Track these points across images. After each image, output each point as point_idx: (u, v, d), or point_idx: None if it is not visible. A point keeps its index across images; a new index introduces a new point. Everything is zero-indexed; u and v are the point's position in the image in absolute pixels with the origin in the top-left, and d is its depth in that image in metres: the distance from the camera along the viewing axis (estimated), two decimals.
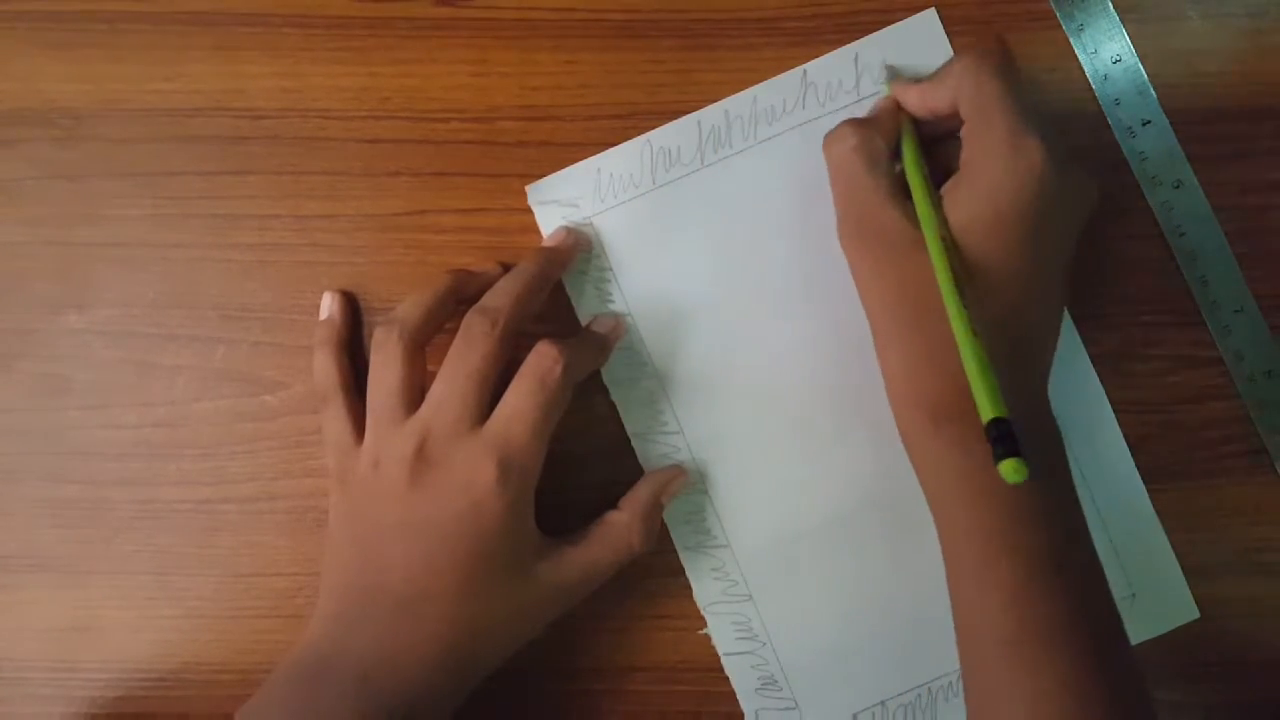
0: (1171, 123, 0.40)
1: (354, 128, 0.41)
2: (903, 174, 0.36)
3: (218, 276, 0.41)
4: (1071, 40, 0.40)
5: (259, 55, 0.41)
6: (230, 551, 0.41)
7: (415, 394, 0.37)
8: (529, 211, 0.41)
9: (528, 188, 0.41)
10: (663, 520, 0.40)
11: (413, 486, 0.35)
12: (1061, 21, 0.40)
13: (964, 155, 0.35)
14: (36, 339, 0.41)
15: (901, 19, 0.40)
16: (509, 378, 0.36)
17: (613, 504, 0.39)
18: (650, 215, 0.41)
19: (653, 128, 0.41)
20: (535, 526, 0.37)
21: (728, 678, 0.40)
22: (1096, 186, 0.35)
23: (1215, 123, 0.40)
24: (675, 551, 0.40)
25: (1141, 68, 0.40)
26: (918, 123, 0.38)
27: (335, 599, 0.36)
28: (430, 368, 0.38)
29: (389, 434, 0.36)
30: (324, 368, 0.39)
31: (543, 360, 0.36)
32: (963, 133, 0.35)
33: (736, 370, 0.40)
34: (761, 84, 0.40)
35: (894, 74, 0.40)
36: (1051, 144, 0.33)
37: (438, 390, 0.36)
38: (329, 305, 0.40)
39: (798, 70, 0.40)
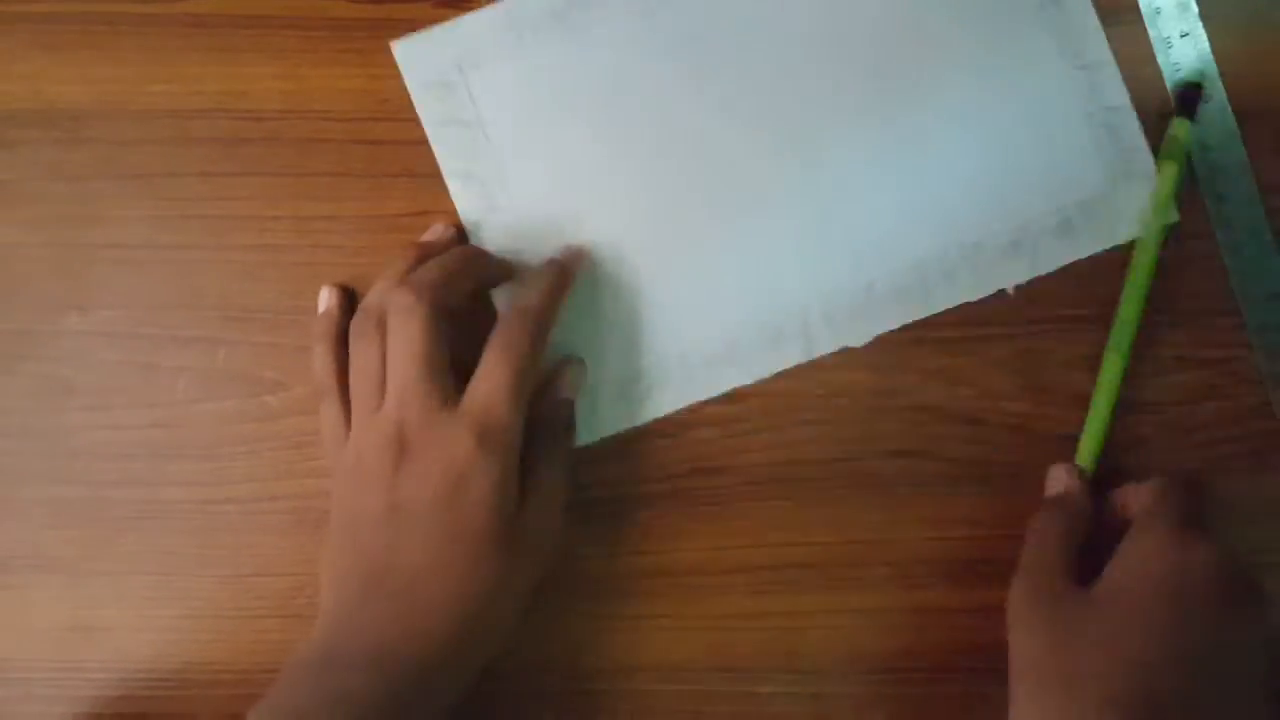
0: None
1: (355, 129, 0.41)
2: None
3: (219, 278, 0.41)
4: None
5: (260, 57, 0.41)
6: (231, 552, 0.41)
7: None
8: None
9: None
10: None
11: (395, 473, 0.35)
12: None
13: (1127, 538, 0.37)
14: (38, 341, 0.41)
15: None
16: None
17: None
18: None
19: None
20: (519, 487, 0.36)
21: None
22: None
23: None
24: (672, 552, 0.41)
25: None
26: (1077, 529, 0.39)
27: (334, 591, 0.36)
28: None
29: (368, 424, 0.36)
30: (322, 362, 0.39)
31: (508, 327, 0.36)
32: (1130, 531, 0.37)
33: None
34: None
35: (1081, 474, 0.40)
36: (1226, 552, 0.35)
37: (392, 375, 0.36)
38: (326, 299, 0.41)
39: None
